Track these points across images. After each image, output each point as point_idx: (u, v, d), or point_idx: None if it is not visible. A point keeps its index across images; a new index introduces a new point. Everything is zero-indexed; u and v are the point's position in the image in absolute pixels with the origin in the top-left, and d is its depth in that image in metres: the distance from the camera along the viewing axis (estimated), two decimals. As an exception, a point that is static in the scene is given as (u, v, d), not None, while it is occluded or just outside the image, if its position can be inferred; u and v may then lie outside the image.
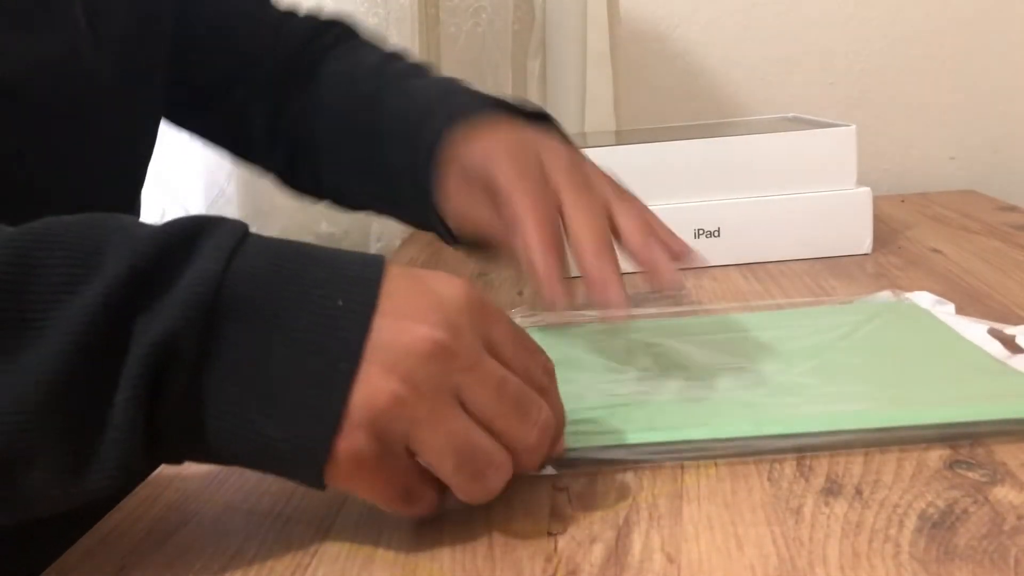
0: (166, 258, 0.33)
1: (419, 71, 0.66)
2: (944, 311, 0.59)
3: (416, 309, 0.34)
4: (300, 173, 0.71)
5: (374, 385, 0.33)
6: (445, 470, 0.35)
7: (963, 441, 0.43)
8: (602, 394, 0.49)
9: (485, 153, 0.47)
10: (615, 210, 0.45)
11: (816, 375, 0.50)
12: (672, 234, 0.46)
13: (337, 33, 0.72)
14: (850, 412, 0.45)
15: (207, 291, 0.33)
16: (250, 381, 0.33)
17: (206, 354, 0.33)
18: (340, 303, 0.34)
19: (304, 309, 0.34)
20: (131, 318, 0.32)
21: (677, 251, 0.45)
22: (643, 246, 0.42)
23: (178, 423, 0.33)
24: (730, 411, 0.46)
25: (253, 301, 0.33)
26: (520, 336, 0.37)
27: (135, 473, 0.34)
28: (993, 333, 0.54)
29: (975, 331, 0.54)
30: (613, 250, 0.42)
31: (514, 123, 0.51)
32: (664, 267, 0.42)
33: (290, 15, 0.73)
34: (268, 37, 0.71)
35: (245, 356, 0.33)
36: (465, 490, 0.36)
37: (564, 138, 0.53)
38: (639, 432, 0.44)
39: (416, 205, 0.57)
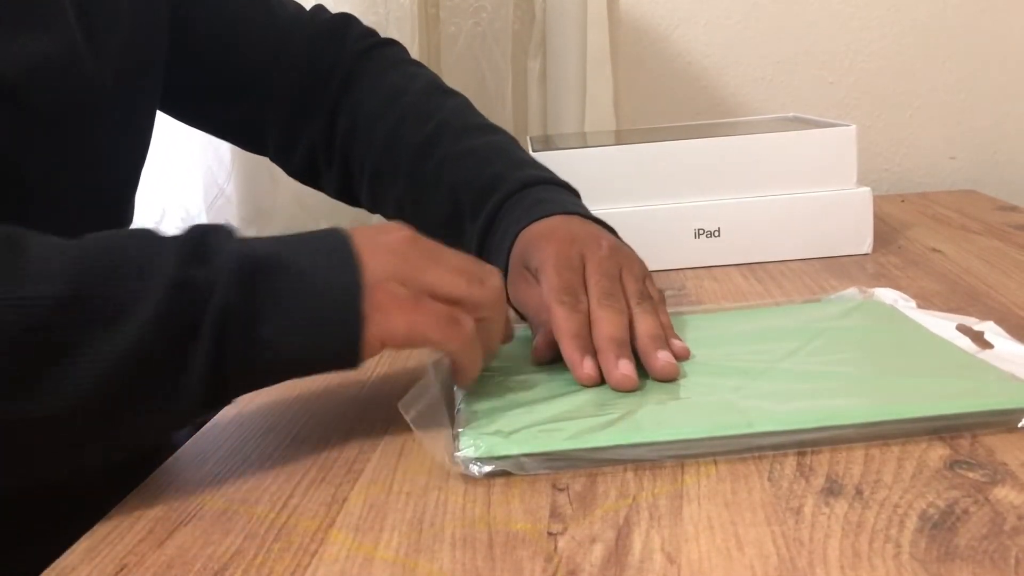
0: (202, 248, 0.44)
1: (468, 116, 0.71)
2: (907, 307, 0.60)
3: (375, 233, 0.48)
4: (324, 180, 0.75)
5: (375, 258, 0.45)
6: (460, 285, 0.47)
7: (951, 433, 0.43)
8: (595, 394, 0.49)
9: (539, 262, 0.56)
10: (633, 315, 0.53)
11: (800, 372, 0.50)
12: (675, 336, 0.55)
13: (359, 47, 0.74)
14: (843, 407, 0.45)
15: (239, 263, 0.43)
16: (285, 305, 0.43)
17: (251, 299, 0.43)
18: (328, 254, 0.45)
19: (302, 254, 0.45)
20: (193, 290, 0.42)
21: (678, 352, 0.53)
22: (648, 354, 0.51)
23: (240, 337, 0.43)
24: (723, 409, 0.46)
25: (269, 258, 0.44)
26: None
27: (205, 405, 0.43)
28: (961, 329, 0.54)
29: (944, 327, 0.55)
30: (626, 346, 0.51)
31: (568, 226, 0.60)
32: (663, 366, 0.51)
33: (296, 17, 0.75)
34: (274, 42, 0.72)
35: (276, 290, 0.43)
36: (475, 296, 0.48)
37: (609, 233, 0.62)
38: (636, 432, 0.44)
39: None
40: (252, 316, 0.43)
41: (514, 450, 0.43)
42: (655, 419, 0.45)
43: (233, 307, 0.42)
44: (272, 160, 0.78)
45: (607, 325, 0.51)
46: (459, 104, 0.72)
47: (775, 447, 0.43)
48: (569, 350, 0.51)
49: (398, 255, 0.47)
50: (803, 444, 0.43)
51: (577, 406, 0.48)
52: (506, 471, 0.43)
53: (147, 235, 0.44)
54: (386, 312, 0.45)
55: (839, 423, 0.43)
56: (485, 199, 0.64)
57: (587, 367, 0.50)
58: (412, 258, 0.47)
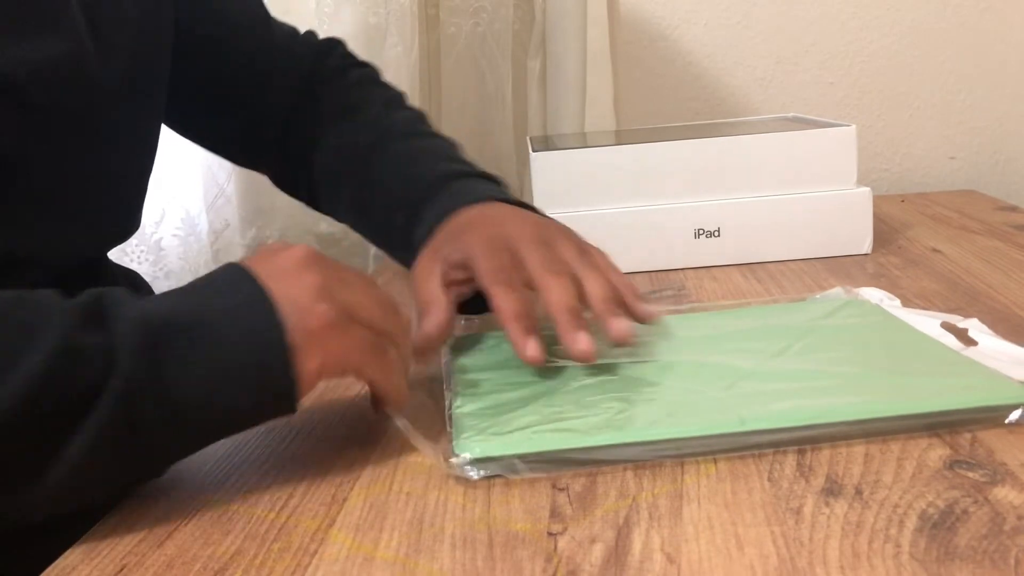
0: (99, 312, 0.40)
1: (415, 125, 0.73)
2: (892, 306, 0.60)
3: (272, 256, 0.45)
4: (301, 192, 0.77)
5: (284, 284, 0.43)
6: (377, 315, 0.46)
7: (938, 430, 0.43)
8: (587, 394, 0.49)
9: (466, 250, 0.55)
10: (582, 277, 0.52)
11: (789, 370, 0.50)
12: (633, 293, 0.53)
13: (335, 64, 0.76)
14: (832, 405, 0.45)
15: (136, 329, 0.40)
16: (195, 365, 0.40)
17: (156, 367, 0.40)
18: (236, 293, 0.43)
19: (205, 304, 0.42)
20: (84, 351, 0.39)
21: (639, 314, 0.52)
22: (605, 313, 0.51)
23: (151, 411, 0.40)
24: (714, 408, 0.46)
25: (168, 319, 0.41)
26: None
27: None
28: (946, 327, 0.55)
29: (929, 325, 0.55)
30: (581, 315, 0.50)
31: (491, 211, 0.59)
32: (619, 333, 0.50)
33: (291, 35, 0.76)
34: (270, 60, 0.74)
35: (182, 352, 0.40)
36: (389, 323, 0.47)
37: (533, 211, 0.61)
38: (628, 431, 0.44)
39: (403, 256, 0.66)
40: (161, 382, 0.39)
41: (507, 452, 0.44)
42: (647, 418, 0.46)
43: (137, 378, 0.39)
44: (263, 173, 0.80)
45: (555, 292, 0.50)
46: (412, 116, 0.74)
47: (767, 445, 0.43)
48: (513, 333, 0.50)
49: (309, 271, 0.44)
50: (794, 442, 0.43)
51: (568, 406, 0.48)
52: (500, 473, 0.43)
53: (42, 296, 0.41)
54: (321, 339, 0.42)
55: (829, 420, 0.44)
56: (409, 197, 0.65)
57: (531, 349, 0.49)
58: (325, 273, 0.45)
